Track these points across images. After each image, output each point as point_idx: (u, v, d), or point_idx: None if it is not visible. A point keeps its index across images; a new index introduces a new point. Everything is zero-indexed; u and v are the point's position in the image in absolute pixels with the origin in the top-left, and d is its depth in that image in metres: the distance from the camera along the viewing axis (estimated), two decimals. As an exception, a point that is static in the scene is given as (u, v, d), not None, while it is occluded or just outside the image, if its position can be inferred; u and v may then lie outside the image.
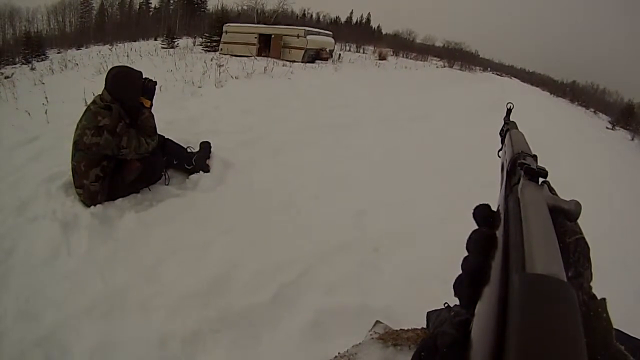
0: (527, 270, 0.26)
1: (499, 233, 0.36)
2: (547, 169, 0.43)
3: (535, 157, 0.51)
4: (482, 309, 0.32)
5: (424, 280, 2.27)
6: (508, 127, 0.73)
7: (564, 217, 0.36)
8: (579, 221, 0.38)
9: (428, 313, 1.08)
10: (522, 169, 0.42)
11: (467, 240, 0.40)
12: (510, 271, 0.28)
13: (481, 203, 0.44)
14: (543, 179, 0.42)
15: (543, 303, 0.23)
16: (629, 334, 0.70)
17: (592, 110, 26.81)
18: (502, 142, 0.70)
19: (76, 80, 8.20)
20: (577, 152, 7.61)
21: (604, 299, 0.35)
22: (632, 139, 16.90)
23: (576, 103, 27.73)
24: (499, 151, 0.68)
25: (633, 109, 24.63)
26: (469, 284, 0.37)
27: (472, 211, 0.44)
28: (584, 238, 0.39)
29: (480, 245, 0.38)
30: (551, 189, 0.44)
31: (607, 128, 19.17)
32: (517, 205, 0.36)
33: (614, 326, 0.35)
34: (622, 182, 6.49)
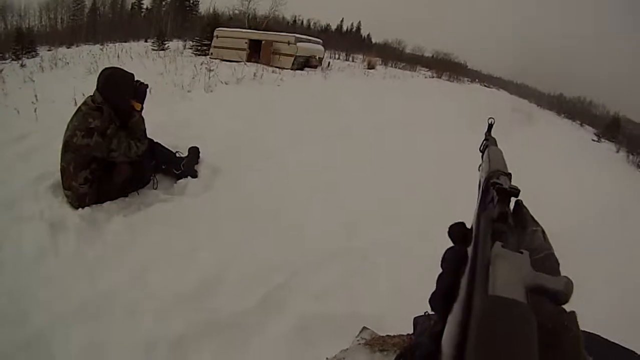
0: (490, 292, 0.28)
1: (470, 252, 0.38)
2: (519, 187, 0.44)
3: (509, 175, 0.52)
4: (450, 324, 0.33)
5: (411, 288, 2.30)
6: (488, 143, 0.74)
7: (549, 299, 0.32)
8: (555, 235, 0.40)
9: (415, 318, 1.11)
10: (494, 188, 0.44)
11: (442, 258, 0.42)
12: (475, 291, 0.30)
13: (457, 221, 0.45)
14: (518, 194, 0.44)
15: (501, 325, 0.24)
16: (611, 340, 0.74)
17: (579, 122, 27.12)
18: (482, 157, 0.71)
19: (66, 79, 8.12)
20: (563, 165, 7.75)
21: (573, 312, 0.36)
22: (618, 151, 17.08)
23: (562, 115, 28.06)
24: (479, 166, 0.68)
25: (619, 122, 25.01)
26: (442, 300, 0.38)
27: (448, 229, 0.45)
28: (553, 254, 0.41)
29: (453, 264, 0.40)
30: (523, 207, 0.48)
31: (593, 140, 19.32)
32: (488, 226, 0.38)
33: (607, 333, 0.38)
34: (605, 194, 6.63)
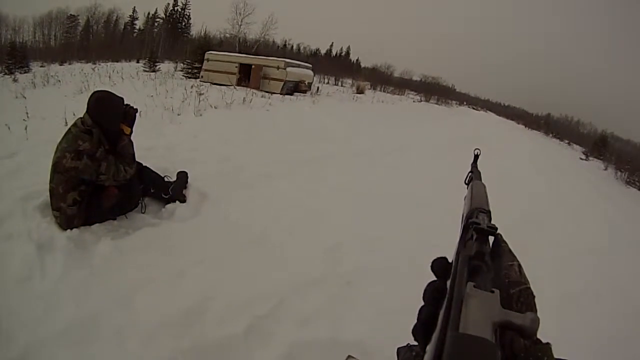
0: (460, 330, 0.30)
1: (449, 287, 0.40)
2: (497, 225, 0.46)
3: (489, 213, 0.53)
4: (427, 355, 0.35)
5: (395, 315, 2.32)
6: (472, 176, 0.76)
7: (517, 334, 0.34)
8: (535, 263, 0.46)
9: (398, 349, 1.15)
10: (472, 228, 0.45)
11: (423, 292, 0.44)
12: (449, 327, 0.32)
13: (438, 257, 0.48)
14: (495, 232, 0.46)
15: None
16: None
17: (567, 142, 27.51)
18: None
19: (57, 97, 8.16)
20: (551, 186, 8.05)
21: (547, 344, 0.36)
22: (606, 169, 17.37)
23: (551, 135, 28.46)
24: (465, 198, 0.67)
25: (606, 139, 25.34)
26: (422, 332, 0.41)
27: (430, 263, 0.47)
28: (528, 288, 0.42)
29: (433, 298, 0.43)
30: (502, 242, 0.49)
31: (581, 159, 19.77)
32: (465, 264, 0.40)
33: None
34: (592, 213, 6.88)
